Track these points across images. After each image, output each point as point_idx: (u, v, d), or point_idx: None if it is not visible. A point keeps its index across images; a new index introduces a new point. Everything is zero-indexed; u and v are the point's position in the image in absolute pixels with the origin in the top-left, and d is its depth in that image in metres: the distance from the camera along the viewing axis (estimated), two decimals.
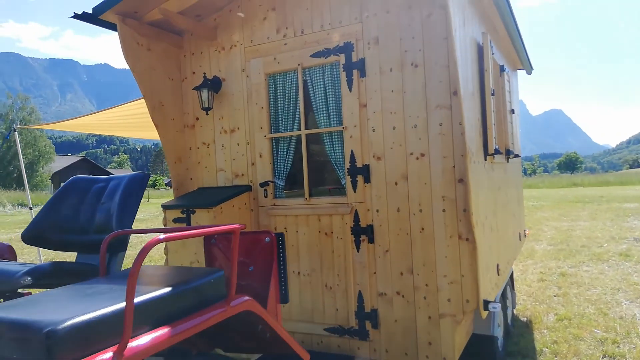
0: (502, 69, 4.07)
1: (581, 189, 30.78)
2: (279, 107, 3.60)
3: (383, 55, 3.16)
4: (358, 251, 3.27)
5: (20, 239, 2.22)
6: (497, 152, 3.42)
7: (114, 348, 1.14)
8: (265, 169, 3.62)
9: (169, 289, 1.31)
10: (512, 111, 4.51)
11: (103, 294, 1.28)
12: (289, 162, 3.60)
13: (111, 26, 3.56)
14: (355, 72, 3.24)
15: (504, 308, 4.36)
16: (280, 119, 3.60)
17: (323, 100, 3.42)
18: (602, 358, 4.05)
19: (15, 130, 6.78)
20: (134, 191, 2.12)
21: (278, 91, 3.59)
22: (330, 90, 3.39)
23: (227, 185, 3.76)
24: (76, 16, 3.40)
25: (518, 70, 5.88)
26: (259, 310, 1.56)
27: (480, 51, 3.32)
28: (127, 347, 1.15)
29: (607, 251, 8.59)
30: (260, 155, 3.64)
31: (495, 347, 3.91)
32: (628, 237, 9.91)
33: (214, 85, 3.75)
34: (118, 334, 1.15)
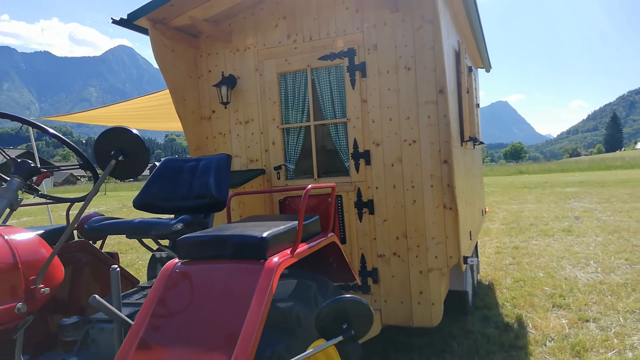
0: (470, 69, 4.85)
1: (527, 176, 32.91)
2: (290, 102, 4.22)
3: (381, 60, 3.85)
4: (360, 221, 3.96)
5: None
6: (470, 139, 4.19)
7: (290, 249, 1.84)
8: (278, 155, 4.24)
9: (306, 220, 2.07)
10: (477, 105, 5.33)
11: (270, 223, 1.95)
12: (299, 149, 4.23)
13: (142, 30, 4.07)
14: (357, 73, 3.91)
15: (471, 271, 5.19)
16: (290, 111, 4.23)
17: (329, 96, 4.07)
18: (552, 307, 4.96)
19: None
20: (223, 167, 2.70)
21: (289, 88, 4.21)
22: (335, 87, 4.05)
23: (244, 170, 4.35)
24: (114, 21, 3.89)
25: (479, 69, 6.73)
26: (338, 242, 2.25)
27: (457, 56, 4.07)
28: (297, 249, 1.86)
29: (552, 228, 9.74)
30: (273, 143, 4.25)
31: (466, 300, 4.74)
32: (569, 216, 11.16)
33: (230, 82, 4.32)
34: (290, 242, 1.88)
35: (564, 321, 4.53)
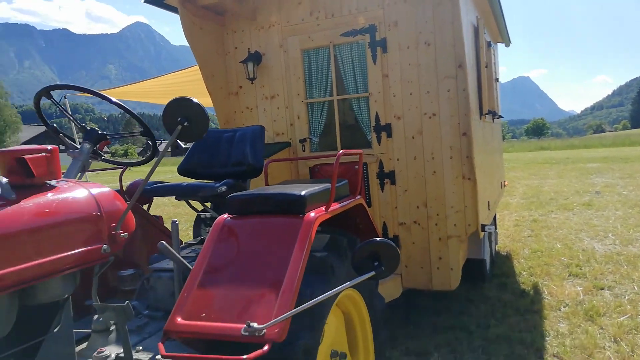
0: (489, 44, 4.93)
1: (548, 152, 32.50)
2: (313, 77, 4.39)
3: (401, 36, 3.97)
4: (382, 191, 4.15)
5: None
6: (488, 112, 4.31)
7: (324, 206, 2.05)
8: (303, 128, 4.43)
9: (338, 183, 2.27)
10: (497, 79, 5.42)
11: (305, 185, 2.16)
12: (322, 122, 4.41)
13: (172, 9, 4.26)
14: (378, 49, 4.05)
15: (489, 241, 5.36)
16: (314, 87, 4.39)
17: (351, 72, 4.22)
18: (568, 276, 5.12)
19: (65, 97, 7.31)
20: (258, 137, 2.93)
21: (312, 64, 4.37)
22: (357, 63, 4.19)
23: (270, 142, 4.56)
24: (146, 0, 4.08)
25: (498, 44, 6.76)
26: (365, 204, 2.46)
27: (476, 32, 4.17)
28: (330, 207, 2.05)
29: (572, 202, 9.78)
30: (298, 117, 4.44)
31: (484, 268, 4.93)
32: (590, 191, 11.16)
33: (256, 58, 4.50)
34: (324, 201, 2.08)
35: (579, 289, 4.69)
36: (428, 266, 4.06)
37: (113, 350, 1.84)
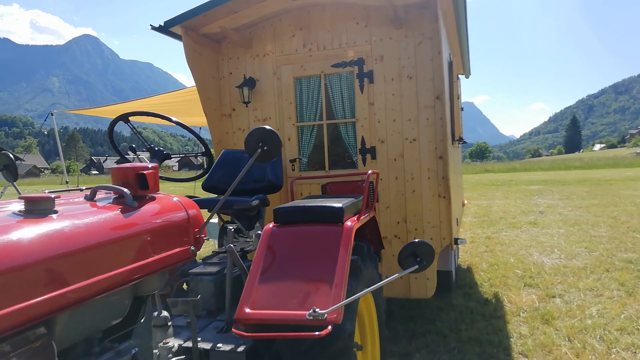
0: (457, 77, 5.54)
1: (493, 175, 34.36)
2: (304, 103, 4.79)
3: (386, 69, 4.47)
4: None
5: None
6: (459, 139, 4.87)
7: (357, 216, 2.40)
8: (293, 149, 4.81)
9: (356, 198, 2.64)
10: (462, 109, 6.03)
11: (334, 199, 2.51)
12: (312, 144, 4.82)
13: (175, 36, 4.56)
14: (365, 79, 4.52)
15: (455, 256, 5.89)
16: (305, 111, 4.80)
17: (340, 99, 4.67)
18: (523, 286, 5.72)
19: (52, 114, 7.26)
20: (277, 157, 3.28)
21: (303, 90, 4.78)
22: (345, 91, 4.65)
23: None
24: (153, 28, 4.37)
25: (460, 75, 7.45)
26: (375, 217, 2.86)
27: (450, 67, 4.74)
28: (361, 217, 2.41)
29: (520, 221, 10.63)
30: (289, 139, 4.81)
31: (451, 279, 5.44)
32: (534, 211, 12.13)
33: (250, 83, 4.86)
34: (352, 212, 2.43)
35: (534, 297, 5.28)
36: (407, 277, 4.50)
37: (175, 342, 2.12)
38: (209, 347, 2.09)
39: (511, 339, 4.17)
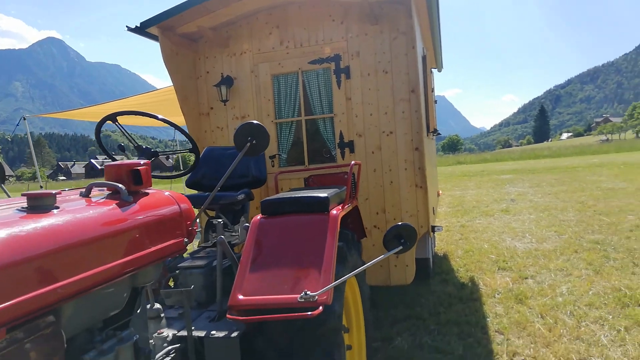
0: (431, 71, 5.73)
1: (465, 166, 35.05)
2: (282, 100, 4.90)
3: (363, 64, 4.61)
4: None
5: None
6: (434, 131, 5.05)
7: (341, 205, 2.51)
8: (272, 146, 4.91)
9: (339, 189, 2.75)
10: (436, 101, 6.23)
11: (318, 190, 2.61)
12: (290, 140, 4.93)
13: (152, 37, 4.60)
14: (342, 75, 4.66)
15: (431, 244, 6.10)
16: (283, 108, 4.90)
17: (318, 95, 4.79)
18: (498, 270, 5.96)
19: (24, 119, 7.13)
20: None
21: (281, 88, 4.89)
22: (323, 87, 4.77)
23: None
24: (129, 29, 4.40)
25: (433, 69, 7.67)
26: (358, 209, 3.00)
27: (424, 61, 4.91)
28: (345, 207, 2.53)
29: (492, 209, 10.97)
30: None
31: (429, 266, 5.64)
32: (506, 199, 12.51)
33: (228, 82, 4.93)
34: (336, 202, 2.54)
35: (507, 279, 5.52)
36: (387, 265, 4.67)
37: (169, 332, 2.21)
38: (203, 335, 2.19)
39: (487, 319, 4.38)
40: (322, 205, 2.33)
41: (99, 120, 2.57)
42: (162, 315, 2.30)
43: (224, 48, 4.98)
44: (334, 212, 2.33)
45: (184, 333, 2.22)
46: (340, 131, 4.71)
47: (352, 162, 2.84)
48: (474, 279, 5.68)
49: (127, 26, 4.38)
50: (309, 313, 1.84)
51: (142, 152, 2.34)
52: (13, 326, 1.17)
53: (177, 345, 2.14)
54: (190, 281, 2.61)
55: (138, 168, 1.79)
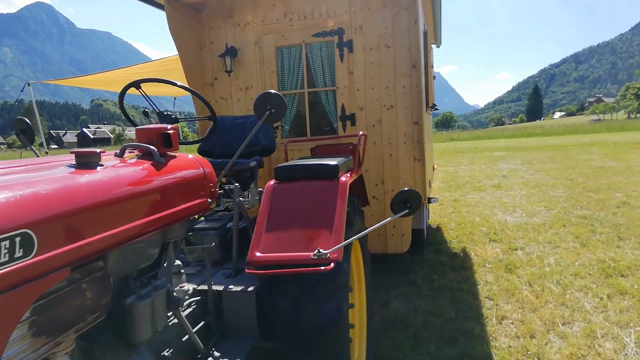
0: (430, 47, 5.82)
1: (458, 143, 35.26)
2: (286, 72, 4.99)
3: (365, 39, 4.70)
4: None
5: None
6: (432, 106, 5.19)
7: (350, 172, 2.67)
8: None
9: (347, 158, 2.90)
10: (434, 77, 6.35)
11: (327, 158, 2.74)
12: (293, 112, 5.04)
13: (157, 5, 4.65)
14: (345, 49, 4.75)
15: (425, 216, 6.30)
16: (286, 80, 5.00)
17: (320, 68, 4.89)
18: (489, 241, 6.20)
19: (29, 85, 7.12)
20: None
21: (285, 60, 4.97)
22: (326, 60, 4.87)
23: None
24: None
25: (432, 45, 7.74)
26: (362, 178, 3.16)
27: (425, 37, 5.01)
28: (353, 174, 2.69)
29: (484, 185, 11.20)
30: None
31: (423, 236, 5.85)
32: (498, 175, 12.75)
33: (232, 53, 5.00)
34: (345, 170, 2.69)
35: (498, 250, 5.76)
36: (384, 234, 4.86)
37: (190, 286, 2.38)
38: (221, 289, 2.37)
39: (478, 286, 4.62)
40: (332, 172, 2.48)
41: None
42: (183, 271, 2.47)
43: (227, 18, 5.04)
44: (343, 179, 2.49)
45: (203, 287, 2.39)
46: (342, 104, 4.83)
47: (360, 132, 2.99)
48: (465, 249, 5.91)
49: None
50: (322, 268, 2.01)
51: (163, 118, 2.46)
52: (75, 267, 1.33)
53: (198, 297, 2.32)
54: (206, 242, 2.77)
55: (168, 132, 1.93)
